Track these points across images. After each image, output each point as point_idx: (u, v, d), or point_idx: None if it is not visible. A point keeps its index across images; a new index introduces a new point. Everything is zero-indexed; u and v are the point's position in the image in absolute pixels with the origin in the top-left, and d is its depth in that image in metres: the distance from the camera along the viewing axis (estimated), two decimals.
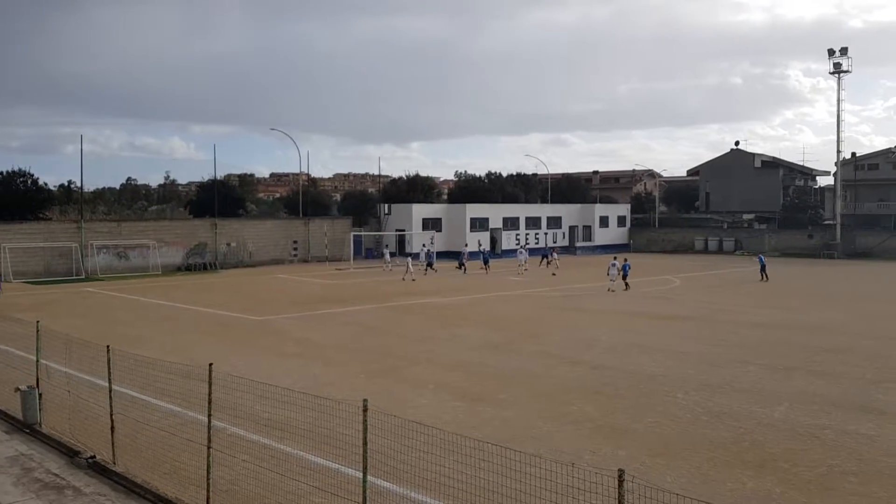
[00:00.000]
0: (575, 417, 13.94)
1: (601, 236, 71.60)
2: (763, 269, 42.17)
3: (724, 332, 23.76)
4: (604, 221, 72.75)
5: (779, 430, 13.03)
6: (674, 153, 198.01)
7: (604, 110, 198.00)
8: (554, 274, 44.73)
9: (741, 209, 78.01)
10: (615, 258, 38.00)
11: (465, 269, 47.39)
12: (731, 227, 74.57)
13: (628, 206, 79.21)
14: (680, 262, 57.56)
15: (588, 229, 71.34)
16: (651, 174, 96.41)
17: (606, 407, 14.67)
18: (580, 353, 20.17)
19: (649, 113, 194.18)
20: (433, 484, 8.88)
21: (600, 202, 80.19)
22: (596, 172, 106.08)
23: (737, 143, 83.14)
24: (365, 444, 7.85)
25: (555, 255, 50.05)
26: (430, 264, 47.96)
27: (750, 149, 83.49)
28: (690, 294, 35.12)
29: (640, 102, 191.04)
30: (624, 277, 36.32)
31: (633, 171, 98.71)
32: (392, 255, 53.17)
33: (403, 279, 41.56)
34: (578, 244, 67.16)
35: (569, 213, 70.83)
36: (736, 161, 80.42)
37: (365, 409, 7.78)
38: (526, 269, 46.63)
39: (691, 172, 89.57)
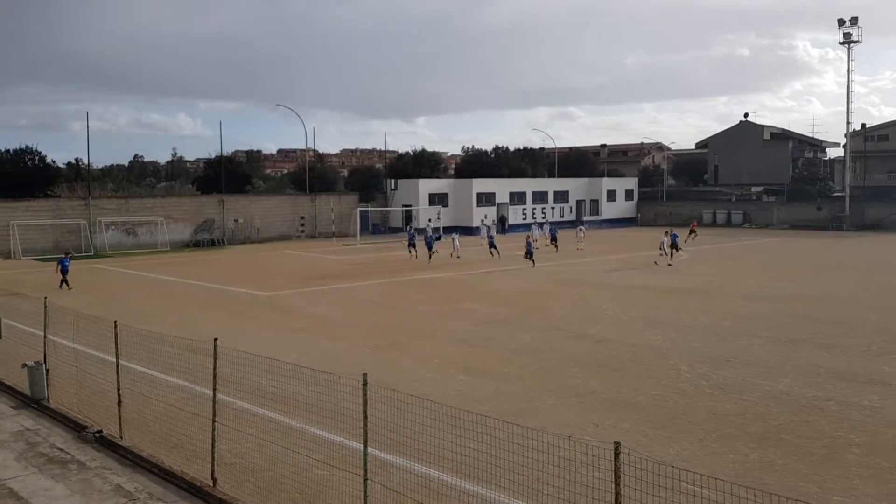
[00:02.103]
0: (578, 391, 13.98)
1: (608, 210, 71.36)
2: (674, 245, 37.46)
3: (731, 305, 23.71)
4: (611, 195, 72.44)
5: (783, 403, 13.05)
6: (682, 126, 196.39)
7: (610, 83, 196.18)
8: (580, 248, 44.28)
9: (750, 182, 77.55)
10: (667, 231, 38.18)
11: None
12: (739, 199, 74.22)
13: (636, 179, 78.78)
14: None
15: (595, 203, 71.06)
16: (659, 147, 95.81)
17: (610, 380, 14.70)
18: (585, 327, 20.18)
19: (657, 85, 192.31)
20: (435, 457, 8.95)
21: (608, 176, 79.84)
22: (604, 146, 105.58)
23: (746, 116, 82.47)
24: (365, 417, 7.91)
25: (582, 229, 48.80)
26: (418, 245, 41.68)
27: (759, 121, 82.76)
28: (698, 267, 35.01)
29: (647, 75, 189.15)
30: (674, 247, 36.99)
31: (642, 144, 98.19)
32: (417, 230, 52.14)
33: (451, 255, 40.13)
34: (585, 218, 66.94)
35: (576, 187, 70.51)
36: (745, 133, 79.79)
37: (365, 384, 7.82)
38: (546, 246, 46.23)
39: (700, 145, 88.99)
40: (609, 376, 15.01)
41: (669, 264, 35.22)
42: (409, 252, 40.55)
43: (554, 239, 44.39)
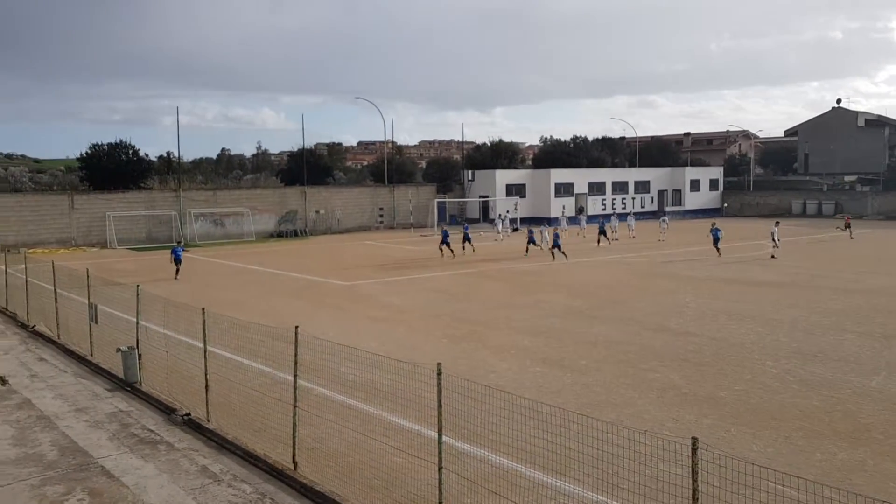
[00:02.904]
0: (658, 385, 13.74)
1: (692, 200, 69.55)
2: (716, 240, 35.12)
3: (821, 299, 22.82)
4: (695, 185, 70.55)
5: (874, 400, 12.50)
6: (769, 113, 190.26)
7: (693, 70, 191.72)
8: (661, 240, 43.36)
9: (843, 171, 74.25)
10: (777, 222, 36.33)
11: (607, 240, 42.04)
12: (831, 189, 71.20)
13: (721, 168, 76.45)
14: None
15: (678, 193, 69.40)
16: (746, 135, 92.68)
17: (691, 374, 14.38)
18: (666, 320, 19.78)
19: (742, 72, 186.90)
20: (510, 448, 8.97)
21: (691, 165, 77.80)
22: (687, 134, 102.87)
23: (838, 102, 78.83)
24: (440, 406, 7.98)
25: (665, 220, 47.59)
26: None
27: (852, 107, 79.03)
28: (786, 259, 33.77)
29: (732, 61, 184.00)
30: (715, 242, 35.17)
31: (727, 132, 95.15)
32: (511, 221, 51.31)
33: (541, 248, 38.10)
34: (668, 209, 65.40)
35: (657, 176, 69.01)
36: (837, 120, 76.33)
37: (439, 373, 7.89)
38: (633, 237, 45.28)
39: (789, 133, 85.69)
40: (690, 370, 14.69)
41: (773, 256, 33.91)
42: (463, 248, 37.56)
43: (602, 232, 41.95)
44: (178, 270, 30.07)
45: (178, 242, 34.43)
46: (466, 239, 38.13)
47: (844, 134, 74.66)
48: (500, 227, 49.42)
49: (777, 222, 36.39)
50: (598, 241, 41.30)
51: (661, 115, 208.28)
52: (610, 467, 8.13)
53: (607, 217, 49.54)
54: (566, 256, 34.11)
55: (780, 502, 7.07)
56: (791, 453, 10.22)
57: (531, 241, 37.34)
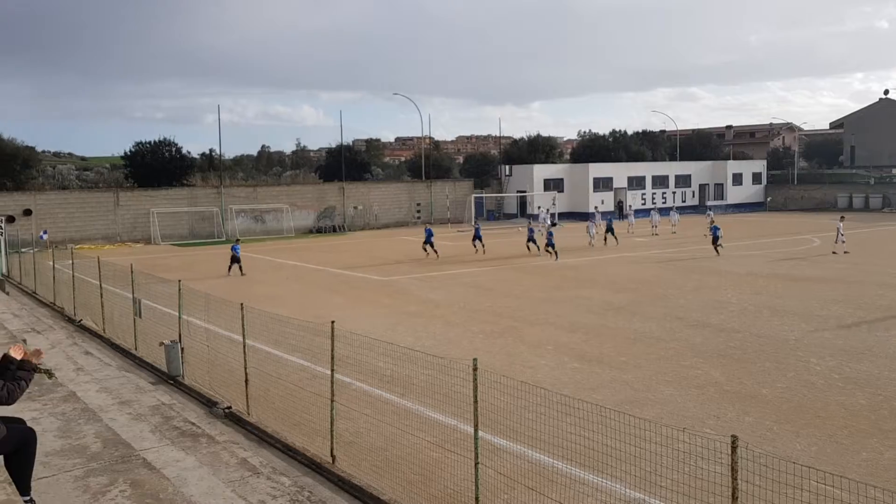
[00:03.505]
0: (699, 381, 13.55)
1: (734, 195, 68.40)
2: (716, 238, 33.84)
3: (869, 295, 22.27)
4: (737, 179, 69.38)
5: None
6: (814, 105, 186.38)
7: (735, 61, 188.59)
8: (706, 235, 42.68)
9: (890, 163, 72.38)
10: (842, 217, 35.52)
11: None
12: (878, 182, 69.45)
13: (764, 162, 75.12)
14: (821, 220, 54.25)
15: (720, 187, 68.32)
16: (790, 128, 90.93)
17: (733, 371, 14.15)
18: (707, 316, 19.50)
19: (785, 63, 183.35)
20: (548, 444, 8.92)
21: (733, 158, 76.55)
22: (729, 127, 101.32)
23: (886, 93, 76.90)
24: (475, 402, 7.96)
25: (710, 214, 46.69)
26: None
27: None
28: (831, 255, 33.05)
29: (775, 52, 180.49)
30: (714, 242, 33.89)
31: (770, 124, 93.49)
32: (551, 216, 50.96)
33: (589, 245, 38.45)
34: (709, 203, 64.40)
35: (699, 170, 68.02)
36: (885, 111, 74.48)
37: (475, 369, 7.87)
38: (674, 233, 44.60)
39: (834, 125, 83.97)
40: (732, 367, 14.46)
41: (846, 252, 32.79)
42: (474, 247, 36.28)
43: (610, 230, 39.69)
44: (239, 267, 30.35)
45: (237, 240, 35.02)
46: (477, 237, 36.46)
47: (892, 125, 72.86)
48: (547, 221, 49.21)
49: (842, 217, 35.42)
50: (605, 240, 39.15)
51: (703, 108, 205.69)
52: (648, 464, 8.05)
53: (681, 209, 48.18)
54: (556, 256, 33.04)
55: (823, 502, 6.92)
56: (835, 452, 10.01)
57: (531, 238, 35.61)
